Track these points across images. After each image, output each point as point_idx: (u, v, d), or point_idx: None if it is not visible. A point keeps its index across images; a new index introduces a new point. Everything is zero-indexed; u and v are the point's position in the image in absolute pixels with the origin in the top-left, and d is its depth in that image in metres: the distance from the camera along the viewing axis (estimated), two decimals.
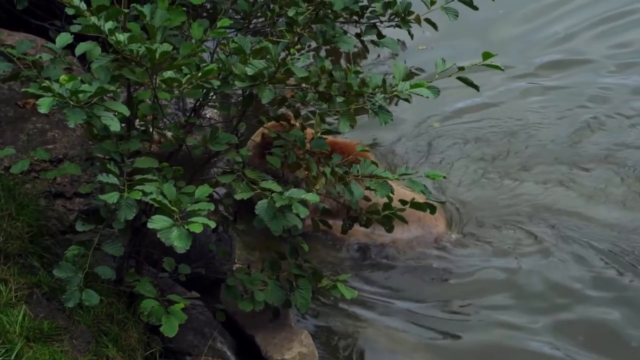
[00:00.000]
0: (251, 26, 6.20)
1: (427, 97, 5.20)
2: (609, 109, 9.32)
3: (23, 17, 7.49)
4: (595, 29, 10.70)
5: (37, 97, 4.64)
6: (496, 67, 5.42)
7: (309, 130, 5.88)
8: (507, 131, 9.01)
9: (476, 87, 5.58)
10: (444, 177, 5.76)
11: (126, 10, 5.04)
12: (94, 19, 4.72)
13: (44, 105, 4.55)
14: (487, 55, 5.34)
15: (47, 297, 5.32)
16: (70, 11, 4.84)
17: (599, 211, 7.99)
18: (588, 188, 8.25)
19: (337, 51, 8.41)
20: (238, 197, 5.19)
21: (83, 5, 4.78)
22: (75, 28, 4.99)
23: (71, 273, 5.07)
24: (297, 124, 5.94)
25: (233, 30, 6.06)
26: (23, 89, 5.01)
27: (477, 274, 7.38)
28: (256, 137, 7.13)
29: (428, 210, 5.70)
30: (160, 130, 5.61)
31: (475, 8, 5.86)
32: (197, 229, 4.44)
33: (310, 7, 5.24)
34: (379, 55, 9.30)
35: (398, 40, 6.10)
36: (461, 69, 5.44)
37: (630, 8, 10.95)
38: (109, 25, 4.73)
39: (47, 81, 4.77)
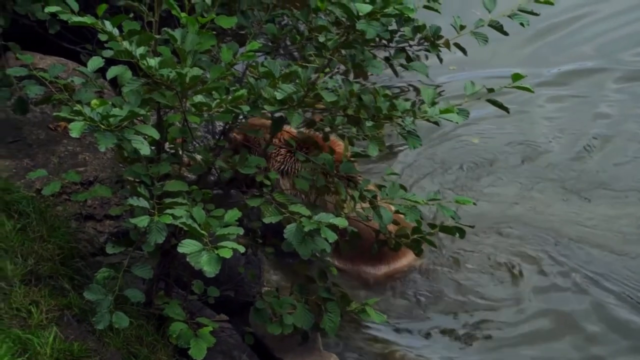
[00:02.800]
0: (280, 50, 6.21)
1: (457, 123, 5.21)
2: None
3: (55, 40, 7.55)
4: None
5: (69, 120, 4.66)
6: (526, 89, 5.40)
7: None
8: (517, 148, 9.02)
9: (506, 110, 5.56)
10: (474, 204, 5.74)
11: (157, 36, 5.07)
12: (125, 44, 4.75)
13: (76, 129, 4.58)
14: (516, 77, 5.33)
15: (77, 319, 5.34)
16: (103, 37, 4.88)
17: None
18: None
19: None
20: (267, 220, 5.20)
21: (115, 31, 4.81)
22: (107, 53, 5.02)
23: (101, 295, 5.08)
24: (326, 148, 5.95)
25: (262, 53, 6.08)
26: (55, 113, 5.05)
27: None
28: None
29: (457, 235, 5.70)
30: (190, 153, 5.63)
31: (506, 34, 5.84)
32: (226, 254, 4.45)
33: (340, 32, 5.24)
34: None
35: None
36: (491, 90, 5.44)
37: None
38: (141, 50, 4.76)
39: (78, 105, 4.79)
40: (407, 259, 7.45)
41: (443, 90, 9.61)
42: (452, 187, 8.51)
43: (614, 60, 10.43)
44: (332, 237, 4.90)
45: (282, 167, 6.98)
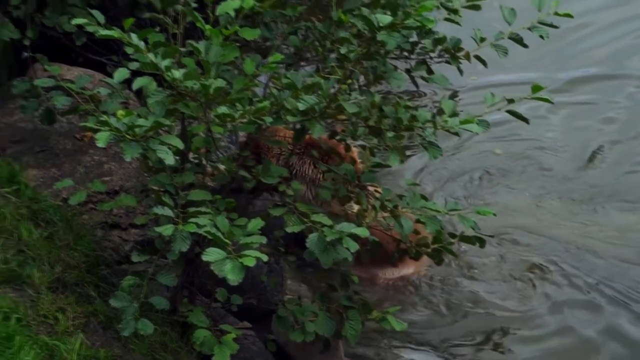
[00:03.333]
0: (302, 62, 6.24)
1: (477, 133, 5.23)
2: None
3: (81, 52, 7.61)
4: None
5: (95, 130, 4.70)
6: (546, 100, 5.41)
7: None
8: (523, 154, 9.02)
9: (526, 121, 5.57)
10: (494, 215, 5.74)
11: (183, 49, 5.11)
12: (151, 56, 4.79)
13: (102, 139, 4.62)
14: (536, 88, 5.34)
15: (103, 325, 5.37)
16: (129, 50, 4.92)
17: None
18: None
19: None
20: (289, 230, 5.23)
21: (142, 44, 4.86)
22: (133, 66, 5.05)
23: (127, 303, 5.11)
24: (348, 158, 5.96)
25: (284, 65, 6.11)
26: (81, 123, 5.09)
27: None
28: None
29: (478, 244, 5.71)
30: (214, 163, 5.66)
31: (526, 46, 5.85)
32: (250, 262, 4.48)
33: (361, 44, 5.27)
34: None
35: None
36: (511, 101, 5.44)
37: None
38: (166, 62, 4.80)
39: (104, 115, 4.84)
40: (415, 265, 7.44)
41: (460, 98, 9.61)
42: (459, 195, 8.49)
43: (624, 67, 10.38)
44: (354, 246, 4.93)
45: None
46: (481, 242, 5.72)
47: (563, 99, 9.68)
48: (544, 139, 9.28)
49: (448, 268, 7.54)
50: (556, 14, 5.68)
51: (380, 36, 5.04)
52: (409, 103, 5.50)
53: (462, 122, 5.23)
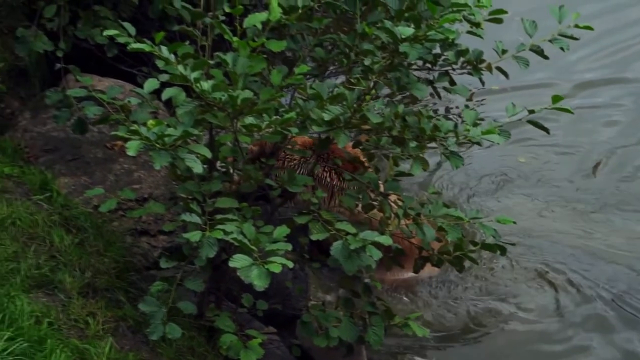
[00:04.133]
0: (327, 73, 6.26)
1: (498, 144, 5.24)
2: None
3: (112, 63, 7.66)
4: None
5: (126, 139, 4.74)
6: (566, 110, 5.41)
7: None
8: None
9: (546, 130, 5.57)
10: (514, 223, 5.74)
11: (211, 62, 5.15)
12: (180, 68, 4.83)
13: (132, 147, 4.66)
14: (556, 99, 5.34)
15: (132, 330, 5.40)
16: (160, 63, 4.96)
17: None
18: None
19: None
20: (314, 237, 5.26)
21: (172, 57, 4.90)
22: (163, 77, 5.09)
23: (155, 307, 5.15)
24: (371, 167, 5.98)
25: (310, 76, 6.13)
26: (112, 132, 5.13)
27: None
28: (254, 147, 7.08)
29: (499, 252, 5.71)
30: (240, 171, 5.69)
31: (546, 57, 5.85)
32: (276, 269, 4.51)
33: (385, 56, 5.29)
34: None
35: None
36: (531, 112, 5.45)
37: None
38: (195, 74, 4.84)
39: (135, 124, 4.88)
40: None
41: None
42: (465, 199, 8.48)
43: (630, 71, 10.32)
44: (377, 254, 4.95)
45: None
46: (502, 250, 5.72)
47: (569, 102, 9.65)
48: (550, 142, 9.19)
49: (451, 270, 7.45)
50: (577, 26, 5.68)
51: (403, 47, 5.06)
52: (431, 113, 5.51)
53: (484, 133, 5.24)
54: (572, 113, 5.45)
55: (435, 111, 9.10)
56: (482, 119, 5.42)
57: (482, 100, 9.47)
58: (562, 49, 5.79)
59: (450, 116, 9.21)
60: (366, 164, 6.05)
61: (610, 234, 8.11)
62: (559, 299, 7.42)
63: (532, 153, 9.17)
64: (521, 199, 8.55)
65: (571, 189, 8.70)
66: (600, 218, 8.30)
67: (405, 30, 5.05)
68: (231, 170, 5.61)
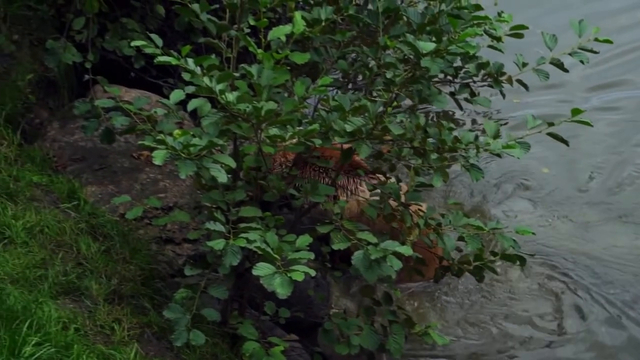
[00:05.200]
0: (350, 85, 6.26)
1: (518, 158, 5.22)
2: None
3: (139, 75, 7.70)
4: None
5: (152, 149, 4.75)
6: (586, 123, 5.39)
7: None
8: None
9: (566, 143, 5.55)
10: (533, 234, 5.71)
11: (236, 74, 5.16)
12: (206, 80, 4.85)
13: (159, 157, 4.67)
14: (576, 112, 5.32)
15: (157, 336, 5.42)
16: (186, 76, 4.97)
17: None
18: None
19: None
20: (335, 247, 5.25)
21: (198, 69, 4.91)
22: (189, 89, 5.11)
23: (179, 314, 5.16)
24: (393, 178, 5.98)
25: (333, 88, 6.14)
26: (139, 142, 5.14)
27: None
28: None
29: (518, 263, 5.69)
30: (264, 181, 5.70)
31: (566, 70, 5.84)
32: (298, 277, 4.51)
33: (407, 68, 5.29)
34: None
35: None
36: (551, 124, 5.43)
37: None
38: (220, 86, 4.85)
39: (161, 134, 4.90)
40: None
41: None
42: (475, 207, 8.45)
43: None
44: (397, 264, 4.94)
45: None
46: (522, 261, 5.70)
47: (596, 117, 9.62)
48: (572, 155, 9.13)
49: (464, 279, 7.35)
50: (596, 40, 5.67)
51: (424, 62, 5.06)
52: (452, 125, 5.50)
53: (504, 147, 5.23)
54: (591, 126, 5.43)
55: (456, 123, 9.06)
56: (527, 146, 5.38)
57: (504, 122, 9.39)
58: (582, 61, 5.77)
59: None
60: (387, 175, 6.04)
61: (619, 245, 8.05)
62: (575, 307, 7.38)
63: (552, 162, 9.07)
64: (532, 211, 8.49)
65: (595, 199, 8.64)
66: (610, 229, 8.24)
67: (427, 45, 5.05)
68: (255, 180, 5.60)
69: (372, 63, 5.69)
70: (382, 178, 6.08)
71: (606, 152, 9.25)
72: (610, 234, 8.13)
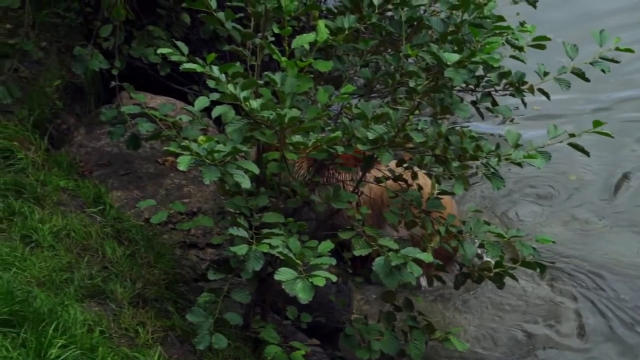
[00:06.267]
0: (372, 93, 6.26)
1: (539, 168, 5.21)
2: None
3: (165, 82, 7.73)
4: None
5: (177, 155, 4.77)
6: (607, 134, 5.36)
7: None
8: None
9: (587, 154, 5.53)
10: (553, 242, 5.68)
11: (260, 82, 5.17)
12: (230, 87, 4.86)
13: (183, 163, 4.69)
14: (597, 124, 5.30)
15: (180, 339, 5.42)
16: (210, 83, 4.99)
17: None
18: None
19: None
20: (357, 253, 5.26)
21: (222, 77, 4.93)
22: (214, 96, 5.13)
23: (202, 318, 5.17)
24: (414, 185, 5.97)
25: (356, 95, 6.14)
26: (164, 148, 5.18)
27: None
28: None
29: (538, 270, 5.67)
30: (287, 187, 5.71)
31: (587, 80, 5.82)
32: (320, 282, 4.51)
33: (429, 77, 5.29)
34: None
35: None
36: (572, 135, 5.41)
37: None
38: (245, 94, 4.86)
39: (186, 141, 4.91)
40: None
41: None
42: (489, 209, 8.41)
43: None
44: (418, 271, 4.93)
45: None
46: (542, 268, 5.68)
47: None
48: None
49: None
50: (617, 49, 5.65)
51: (448, 72, 5.05)
52: (474, 134, 5.49)
53: (525, 157, 5.22)
54: (612, 137, 5.40)
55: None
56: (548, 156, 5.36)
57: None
58: (603, 71, 5.75)
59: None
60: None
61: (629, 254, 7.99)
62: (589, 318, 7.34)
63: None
64: (546, 216, 8.43)
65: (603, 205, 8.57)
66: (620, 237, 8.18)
67: (451, 56, 5.04)
68: (278, 186, 5.61)
69: (395, 71, 5.69)
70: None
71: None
72: (623, 243, 8.07)
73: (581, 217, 8.41)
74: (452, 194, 5.53)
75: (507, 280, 5.80)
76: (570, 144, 5.43)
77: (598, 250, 7.96)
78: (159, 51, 5.27)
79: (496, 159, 5.29)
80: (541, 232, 7.38)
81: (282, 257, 4.76)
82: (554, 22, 10.18)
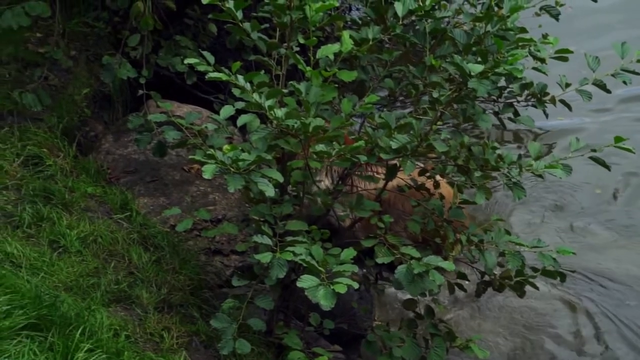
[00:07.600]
0: (396, 103, 6.26)
1: (561, 178, 5.19)
2: None
3: (191, 90, 7.77)
4: None
5: (202, 163, 4.79)
6: (628, 149, 5.34)
7: None
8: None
9: (608, 168, 5.50)
10: (574, 254, 5.65)
11: (285, 91, 5.18)
12: (256, 97, 4.87)
13: (208, 171, 4.70)
14: (618, 139, 5.27)
15: (204, 344, 5.43)
16: (236, 92, 5.01)
17: None
18: None
19: None
20: (379, 261, 5.25)
21: (247, 86, 4.94)
22: (239, 105, 5.15)
23: (226, 324, 5.17)
24: (437, 194, 5.96)
25: (379, 105, 6.14)
26: (190, 156, 5.18)
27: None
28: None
29: (558, 278, 5.64)
30: (310, 195, 5.71)
31: (609, 91, 5.80)
32: (341, 289, 4.51)
33: (452, 88, 5.28)
34: None
35: None
36: (594, 150, 5.39)
37: None
38: (269, 102, 4.88)
39: (211, 149, 4.93)
40: None
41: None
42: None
43: None
44: (440, 279, 4.92)
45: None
46: (562, 277, 5.65)
47: (611, 117, 9.56)
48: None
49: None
50: (638, 61, 5.63)
51: (471, 83, 5.04)
52: (496, 144, 5.48)
53: (547, 167, 5.20)
54: (633, 153, 5.37)
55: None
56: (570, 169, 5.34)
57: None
58: (624, 82, 5.73)
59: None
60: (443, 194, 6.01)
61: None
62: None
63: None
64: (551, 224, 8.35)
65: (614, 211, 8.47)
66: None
67: (475, 67, 5.02)
68: (301, 195, 5.62)
69: (418, 82, 5.68)
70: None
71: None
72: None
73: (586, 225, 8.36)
74: (473, 203, 5.52)
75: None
76: (591, 158, 5.41)
77: (608, 260, 7.89)
78: (186, 61, 5.29)
79: (517, 170, 5.28)
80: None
81: (305, 265, 4.77)
82: (575, 34, 10.12)
